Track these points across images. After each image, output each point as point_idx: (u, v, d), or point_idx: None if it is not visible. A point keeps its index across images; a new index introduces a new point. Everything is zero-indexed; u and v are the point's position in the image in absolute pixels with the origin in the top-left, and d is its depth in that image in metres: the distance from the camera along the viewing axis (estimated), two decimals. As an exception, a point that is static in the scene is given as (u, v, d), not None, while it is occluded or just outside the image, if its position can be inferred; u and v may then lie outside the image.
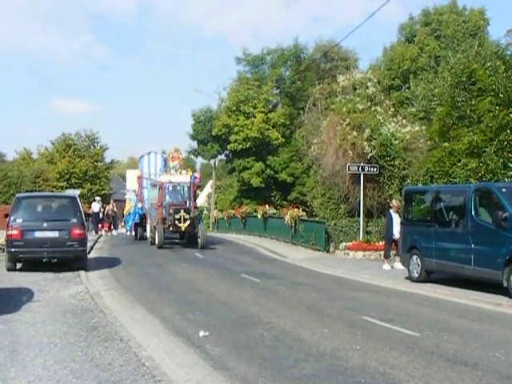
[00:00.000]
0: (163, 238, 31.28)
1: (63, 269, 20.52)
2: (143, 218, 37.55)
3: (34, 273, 19.83)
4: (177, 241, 33.69)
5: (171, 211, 31.40)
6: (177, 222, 31.10)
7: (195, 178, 35.34)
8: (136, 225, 38.91)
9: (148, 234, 35.23)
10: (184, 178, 35.27)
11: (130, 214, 41.30)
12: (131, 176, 44.18)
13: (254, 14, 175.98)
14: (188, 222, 31.19)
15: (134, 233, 39.82)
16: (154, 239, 32.16)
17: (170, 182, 34.83)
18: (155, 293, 17.09)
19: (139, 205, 38.55)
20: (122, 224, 47.91)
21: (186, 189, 35.02)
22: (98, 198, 46.94)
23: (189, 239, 32.67)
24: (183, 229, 31.42)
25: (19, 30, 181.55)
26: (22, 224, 20.48)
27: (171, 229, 31.71)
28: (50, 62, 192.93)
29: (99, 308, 13.70)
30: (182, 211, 31.34)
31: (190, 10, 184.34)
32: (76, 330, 11.26)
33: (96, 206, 44.46)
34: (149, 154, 41.52)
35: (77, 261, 21.23)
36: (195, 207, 34.60)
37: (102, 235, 42.19)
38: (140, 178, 38.90)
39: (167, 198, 34.00)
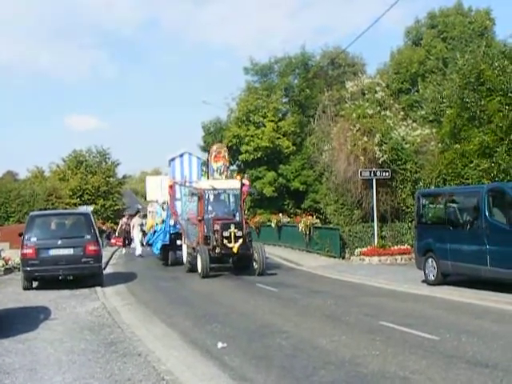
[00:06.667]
0: (209, 263, 24.13)
1: (79, 285, 20.55)
2: (176, 238, 29.94)
3: (50, 291, 19.84)
4: (216, 265, 25.25)
5: (217, 227, 24.71)
6: (226, 241, 24.13)
7: (243, 185, 27.10)
8: (165, 247, 30.92)
9: (184, 258, 27.60)
10: (231, 183, 27.79)
11: (155, 231, 33.08)
12: (152, 184, 37.40)
13: (258, 26, 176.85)
14: (240, 240, 24.25)
15: (161, 255, 32.09)
16: (194, 265, 25.22)
17: (213, 189, 27.02)
18: (172, 306, 17.09)
19: (171, 221, 30.16)
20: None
21: (233, 198, 27.80)
22: (139, 207, 43.97)
23: (239, 263, 25.59)
24: (235, 250, 24.16)
25: (28, 48, 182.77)
26: (36, 242, 20.51)
27: (217, 250, 24.54)
28: (58, 79, 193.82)
29: (116, 324, 13.69)
30: (232, 227, 24.35)
31: (195, 22, 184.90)
32: (94, 347, 11.25)
33: (138, 221, 40.27)
34: (181, 155, 33.86)
35: (93, 277, 21.20)
36: (246, 221, 27.90)
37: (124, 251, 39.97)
38: (172, 187, 29.79)
39: (209, 209, 26.93)
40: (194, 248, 25.97)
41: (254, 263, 24.56)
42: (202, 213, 26.31)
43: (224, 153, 29.65)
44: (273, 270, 25.89)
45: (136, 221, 40.64)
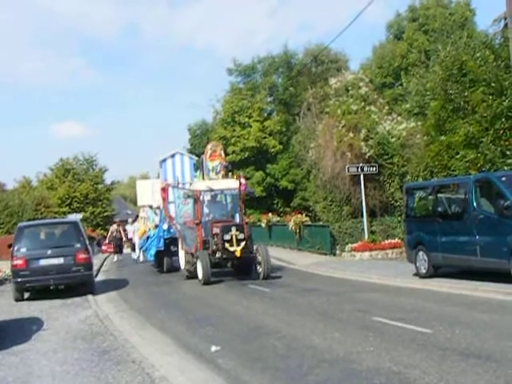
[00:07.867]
0: (210, 268, 22.58)
1: (71, 294, 20.51)
2: (170, 243, 28.71)
3: (42, 301, 19.82)
4: (216, 270, 23.90)
5: (216, 230, 23.33)
6: (227, 244, 22.69)
7: (240, 184, 25.21)
8: (160, 253, 29.45)
9: (182, 264, 26.35)
10: (228, 183, 26.33)
11: (148, 237, 31.63)
12: (143, 189, 34.98)
13: (239, 25, 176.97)
14: (243, 243, 22.78)
15: (155, 262, 30.72)
16: (193, 271, 23.78)
17: (210, 190, 25.73)
18: (165, 311, 17.02)
19: (164, 226, 28.88)
20: (129, 245, 43.17)
21: (230, 198, 26.79)
22: (130, 220, 44.23)
23: (240, 267, 24.21)
24: (238, 254, 22.67)
25: (10, 57, 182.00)
26: (26, 253, 20.45)
27: (218, 255, 23.19)
28: (42, 87, 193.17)
29: (109, 331, 13.65)
30: (233, 229, 22.90)
31: (177, 25, 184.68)
32: (88, 356, 11.22)
33: (137, 227, 38.34)
34: (173, 156, 32.44)
35: (84, 285, 21.19)
36: (247, 222, 25.87)
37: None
38: (165, 189, 27.03)
39: (206, 212, 25.79)
40: (192, 253, 24.44)
41: (258, 266, 23.10)
42: (199, 216, 24.78)
43: (220, 151, 28.37)
44: (277, 272, 24.55)
45: (135, 227, 39.56)
